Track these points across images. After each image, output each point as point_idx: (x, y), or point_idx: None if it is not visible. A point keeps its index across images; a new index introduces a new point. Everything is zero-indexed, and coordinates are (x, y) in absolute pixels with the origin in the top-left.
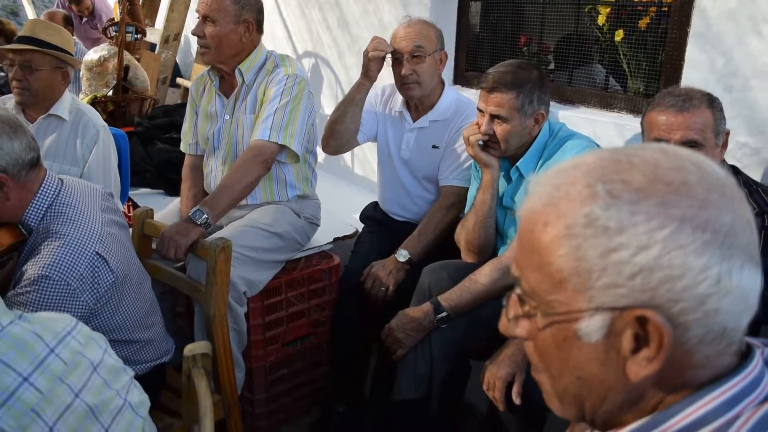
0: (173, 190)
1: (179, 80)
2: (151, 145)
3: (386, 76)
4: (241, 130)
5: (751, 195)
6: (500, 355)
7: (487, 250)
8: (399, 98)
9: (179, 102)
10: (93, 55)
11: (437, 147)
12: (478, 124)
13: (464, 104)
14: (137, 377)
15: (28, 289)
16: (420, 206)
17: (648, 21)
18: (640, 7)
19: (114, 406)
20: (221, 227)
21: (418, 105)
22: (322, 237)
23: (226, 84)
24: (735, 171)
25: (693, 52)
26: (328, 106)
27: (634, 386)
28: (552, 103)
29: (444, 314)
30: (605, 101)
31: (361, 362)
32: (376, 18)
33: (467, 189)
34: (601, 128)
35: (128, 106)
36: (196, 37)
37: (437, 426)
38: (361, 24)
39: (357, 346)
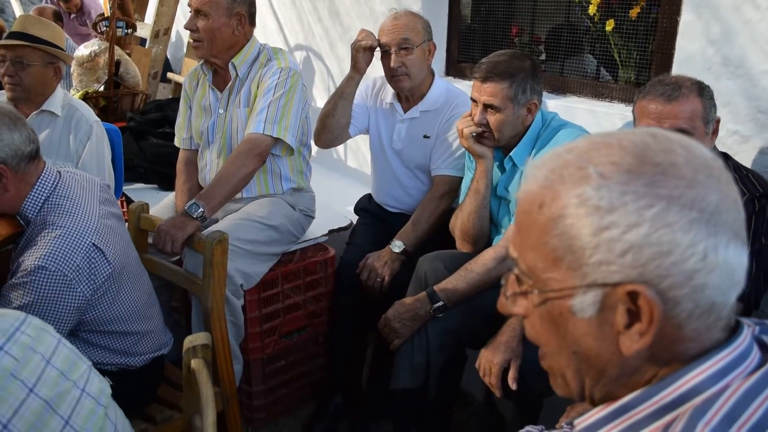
0: (167, 184)
1: (170, 75)
2: (144, 140)
3: (377, 69)
4: (236, 123)
5: (741, 180)
6: (495, 342)
7: (482, 240)
8: (389, 90)
9: (170, 97)
10: (84, 50)
11: (428, 137)
12: (471, 115)
13: (454, 94)
14: (136, 369)
15: (25, 279)
16: (413, 197)
17: (639, 10)
18: None
19: (71, 397)
20: (217, 221)
21: (408, 96)
22: (317, 229)
23: (220, 78)
24: (725, 157)
25: (683, 41)
26: (320, 98)
27: (629, 361)
28: (544, 93)
29: (440, 304)
30: (597, 91)
31: (358, 353)
32: (368, 8)
33: (459, 178)
34: (593, 117)
35: (120, 102)
36: (186, 32)
37: (434, 415)
38: (353, 14)
39: (353, 337)
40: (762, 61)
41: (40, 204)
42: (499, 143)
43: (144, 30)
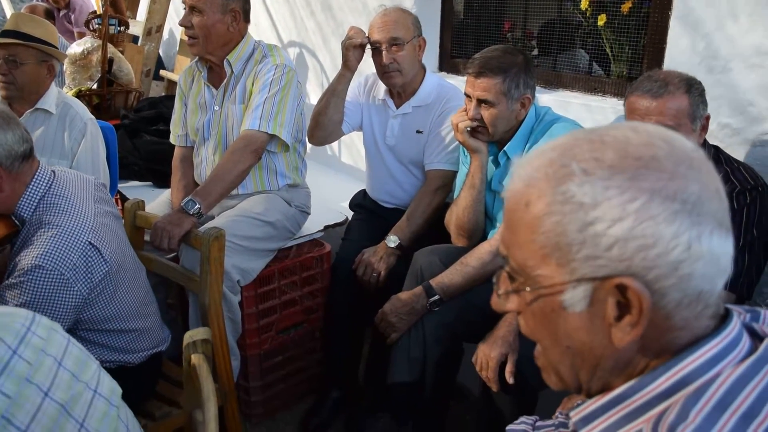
0: (162, 182)
1: (163, 72)
2: (138, 137)
3: (369, 65)
4: (231, 120)
5: (733, 173)
6: (492, 336)
7: (477, 234)
8: (381, 86)
9: (164, 94)
10: (76, 48)
11: (421, 132)
12: (465, 110)
13: (446, 89)
14: (134, 366)
15: (22, 279)
16: (408, 192)
17: (630, 5)
18: None
19: (84, 399)
20: (213, 217)
21: (400, 92)
22: (312, 225)
23: (215, 75)
24: (717, 151)
25: (675, 36)
26: (313, 93)
27: (621, 353)
28: (537, 88)
29: (436, 297)
30: (590, 85)
31: (355, 348)
32: (360, 2)
33: (453, 172)
34: (588, 111)
35: (113, 99)
36: (178, 29)
37: (431, 408)
38: (345, 9)
39: (350, 332)
40: (753, 54)
41: (35, 203)
42: (493, 138)
43: (136, 27)
